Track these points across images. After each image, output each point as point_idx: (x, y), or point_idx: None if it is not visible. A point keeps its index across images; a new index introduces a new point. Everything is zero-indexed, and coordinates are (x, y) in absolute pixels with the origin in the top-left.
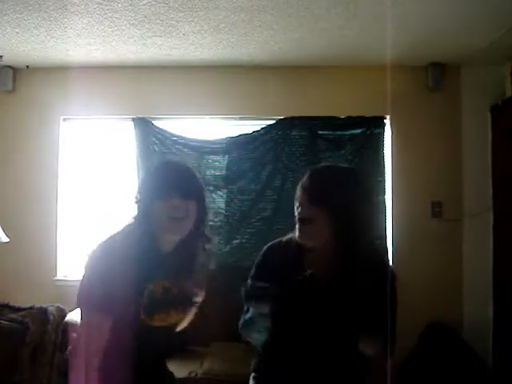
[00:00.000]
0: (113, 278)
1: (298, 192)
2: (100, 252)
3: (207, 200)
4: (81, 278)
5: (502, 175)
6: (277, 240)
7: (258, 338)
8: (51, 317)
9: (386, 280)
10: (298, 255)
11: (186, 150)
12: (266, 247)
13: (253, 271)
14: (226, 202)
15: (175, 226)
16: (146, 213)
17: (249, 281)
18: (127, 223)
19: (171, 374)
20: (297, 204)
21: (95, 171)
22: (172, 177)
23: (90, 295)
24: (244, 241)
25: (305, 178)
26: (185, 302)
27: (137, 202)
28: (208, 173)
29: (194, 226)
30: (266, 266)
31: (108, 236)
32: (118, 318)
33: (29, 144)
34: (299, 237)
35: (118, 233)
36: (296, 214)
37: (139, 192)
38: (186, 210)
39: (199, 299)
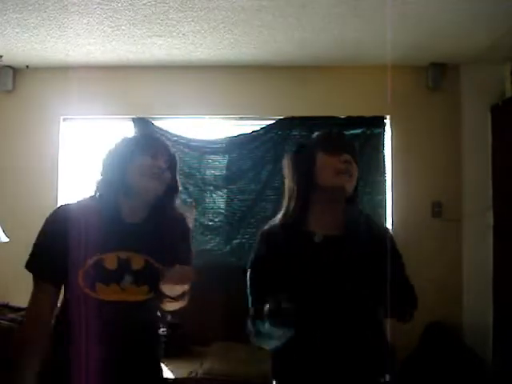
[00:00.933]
0: (61, 244)
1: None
2: (53, 216)
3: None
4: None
5: (501, 175)
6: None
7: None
8: None
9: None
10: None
11: (186, 150)
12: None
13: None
14: (226, 202)
15: (148, 185)
16: (111, 179)
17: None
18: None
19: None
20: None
21: (95, 171)
22: (146, 140)
23: (36, 259)
24: (244, 241)
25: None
26: (150, 279)
27: (101, 173)
28: (208, 173)
29: (166, 195)
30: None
31: (67, 203)
32: (67, 288)
33: (29, 144)
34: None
35: (78, 201)
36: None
37: (106, 160)
38: (160, 168)
39: (178, 284)
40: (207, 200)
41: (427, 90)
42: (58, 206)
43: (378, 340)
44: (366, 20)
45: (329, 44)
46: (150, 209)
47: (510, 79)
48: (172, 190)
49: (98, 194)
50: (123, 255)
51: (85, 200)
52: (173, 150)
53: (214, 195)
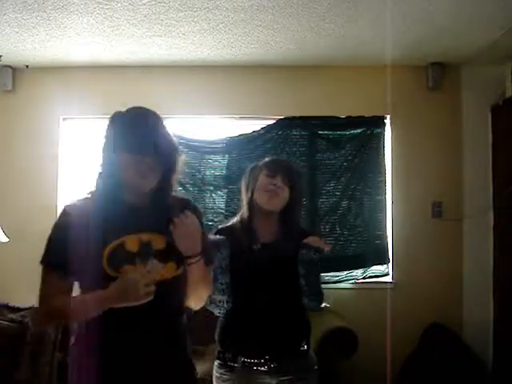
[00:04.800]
0: (76, 236)
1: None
2: (64, 211)
3: (179, 155)
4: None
5: (502, 175)
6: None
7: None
8: None
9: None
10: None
11: (186, 149)
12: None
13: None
14: (226, 202)
15: (141, 181)
16: (110, 166)
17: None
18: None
19: (191, 365)
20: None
21: (95, 171)
22: (135, 128)
23: (52, 253)
24: None
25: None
26: (175, 256)
27: (103, 156)
28: (208, 173)
29: (162, 180)
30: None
31: (76, 199)
32: (84, 277)
33: (29, 144)
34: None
35: (86, 195)
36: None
37: (105, 143)
38: (150, 165)
39: (191, 256)
40: (207, 200)
41: (427, 89)
42: (67, 203)
43: (298, 315)
44: (365, 20)
45: (329, 44)
46: (149, 192)
47: (511, 79)
48: (168, 172)
49: (101, 179)
50: (145, 237)
51: (91, 193)
52: (164, 131)
53: (213, 195)
